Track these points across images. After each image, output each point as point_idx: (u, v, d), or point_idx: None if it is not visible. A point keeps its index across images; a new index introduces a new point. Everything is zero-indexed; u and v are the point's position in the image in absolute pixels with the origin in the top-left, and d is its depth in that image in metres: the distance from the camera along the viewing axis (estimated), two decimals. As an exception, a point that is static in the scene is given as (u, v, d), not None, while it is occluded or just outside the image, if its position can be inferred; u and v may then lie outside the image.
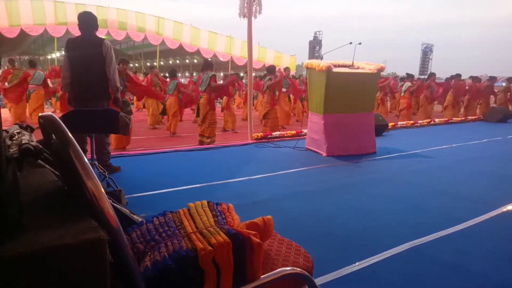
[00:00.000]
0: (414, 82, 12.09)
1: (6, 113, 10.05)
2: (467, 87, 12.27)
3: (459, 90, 11.81)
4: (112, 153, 4.71)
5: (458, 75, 12.26)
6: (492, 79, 12.89)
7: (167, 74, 10.95)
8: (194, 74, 15.93)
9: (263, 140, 6.92)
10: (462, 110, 12.55)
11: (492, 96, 12.79)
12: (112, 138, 6.05)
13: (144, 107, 12.38)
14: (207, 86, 6.79)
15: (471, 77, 12.98)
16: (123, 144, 6.35)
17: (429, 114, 11.27)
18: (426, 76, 24.52)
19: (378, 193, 3.86)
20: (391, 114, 13.28)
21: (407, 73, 12.70)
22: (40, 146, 1.33)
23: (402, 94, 11.40)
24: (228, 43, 21.87)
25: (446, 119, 10.99)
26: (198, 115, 7.10)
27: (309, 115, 6.15)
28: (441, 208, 3.41)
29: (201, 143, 6.88)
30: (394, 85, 12.59)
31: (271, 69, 9.06)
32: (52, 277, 0.81)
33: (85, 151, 3.93)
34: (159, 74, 10.76)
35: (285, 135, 7.44)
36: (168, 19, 19.85)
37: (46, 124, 1.11)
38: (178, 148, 6.06)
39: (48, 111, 9.04)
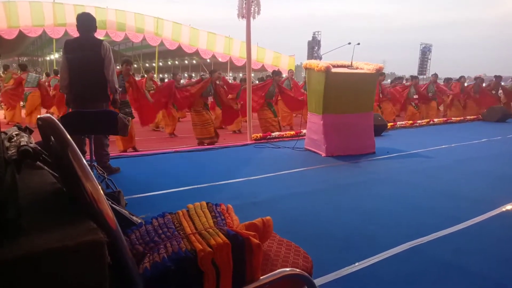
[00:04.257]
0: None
1: (0, 115, 10.17)
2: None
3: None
4: (111, 154, 4.71)
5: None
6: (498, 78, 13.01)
7: (165, 75, 10.96)
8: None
9: (262, 141, 6.92)
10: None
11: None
12: (119, 139, 6.03)
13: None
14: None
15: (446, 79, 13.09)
16: (132, 144, 6.25)
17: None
18: (425, 77, 24.56)
19: (378, 193, 3.86)
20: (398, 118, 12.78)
21: (411, 76, 12.69)
22: (39, 148, 1.32)
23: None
24: (227, 44, 21.89)
25: (445, 118, 11.00)
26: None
27: (308, 116, 6.15)
28: (441, 208, 3.41)
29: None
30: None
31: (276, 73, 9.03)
32: (50, 279, 0.81)
33: (84, 153, 3.93)
34: (153, 78, 10.72)
35: (284, 135, 7.45)
36: (167, 20, 19.87)
37: (45, 125, 1.11)
38: (177, 149, 6.06)
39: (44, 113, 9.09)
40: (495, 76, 13.05)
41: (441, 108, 12.52)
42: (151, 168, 4.81)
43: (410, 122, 9.91)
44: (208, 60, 23.83)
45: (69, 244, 0.82)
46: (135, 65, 29.50)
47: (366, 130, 5.86)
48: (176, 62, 32.95)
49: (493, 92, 12.66)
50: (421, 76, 24.87)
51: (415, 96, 11.17)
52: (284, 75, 12.44)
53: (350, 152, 5.65)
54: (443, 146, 6.68)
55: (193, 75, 19.80)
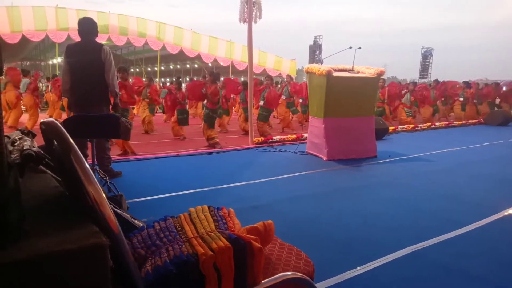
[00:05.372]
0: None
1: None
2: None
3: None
4: (113, 158, 4.71)
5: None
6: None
7: (167, 79, 11.02)
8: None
9: (263, 145, 6.92)
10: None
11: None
12: (120, 142, 6.04)
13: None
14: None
15: (464, 82, 13.18)
16: (130, 149, 6.24)
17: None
18: (426, 80, 24.54)
19: (379, 197, 3.86)
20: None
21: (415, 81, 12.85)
22: (42, 152, 1.33)
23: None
24: (229, 48, 21.94)
25: (447, 122, 10.99)
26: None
27: (309, 119, 6.16)
28: (442, 211, 3.40)
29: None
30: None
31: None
32: (53, 283, 0.81)
33: (86, 156, 3.93)
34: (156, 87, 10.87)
35: (286, 139, 7.45)
36: (168, 24, 19.94)
37: (48, 129, 1.12)
38: (179, 153, 6.06)
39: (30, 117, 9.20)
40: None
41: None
42: (153, 172, 4.82)
43: (412, 126, 9.90)
44: (210, 64, 23.89)
45: (72, 247, 0.82)
46: (137, 69, 29.68)
47: (367, 133, 5.87)
48: (178, 66, 33.05)
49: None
50: (422, 80, 24.87)
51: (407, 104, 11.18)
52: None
53: (352, 155, 5.65)
54: (445, 150, 6.67)
55: (195, 78, 19.84)
